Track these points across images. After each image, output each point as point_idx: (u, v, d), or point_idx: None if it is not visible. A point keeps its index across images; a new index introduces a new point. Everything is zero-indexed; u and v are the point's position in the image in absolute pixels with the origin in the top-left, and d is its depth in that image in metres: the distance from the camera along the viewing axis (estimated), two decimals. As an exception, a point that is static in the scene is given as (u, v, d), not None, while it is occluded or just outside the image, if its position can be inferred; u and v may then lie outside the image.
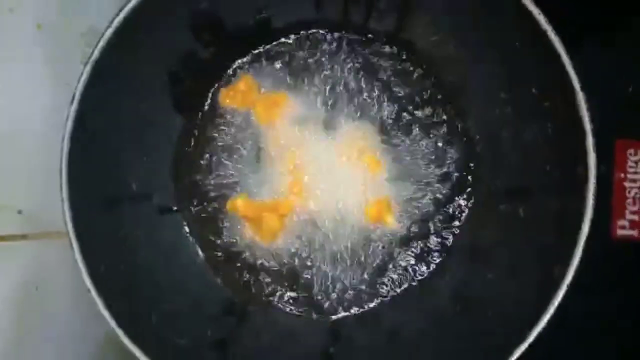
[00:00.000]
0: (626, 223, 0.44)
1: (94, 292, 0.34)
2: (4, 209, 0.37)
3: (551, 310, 0.32)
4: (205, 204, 0.42)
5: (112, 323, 0.34)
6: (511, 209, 0.38)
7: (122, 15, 0.35)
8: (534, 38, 0.32)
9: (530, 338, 0.32)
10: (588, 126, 0.31)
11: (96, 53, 0.35)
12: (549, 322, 0.33)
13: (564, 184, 0.35)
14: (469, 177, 0.41)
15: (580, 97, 0.31)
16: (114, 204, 0.38)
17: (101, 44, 0.35)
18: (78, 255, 0.34)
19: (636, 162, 0.44)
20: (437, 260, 0.41)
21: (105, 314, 0.34)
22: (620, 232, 0.44)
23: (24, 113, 0.38)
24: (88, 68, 0.35)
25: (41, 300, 0.40)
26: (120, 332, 0.34)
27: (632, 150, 0.44)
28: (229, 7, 0.39)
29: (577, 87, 0.31)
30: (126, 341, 0.34)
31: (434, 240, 0.41)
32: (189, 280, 0.40)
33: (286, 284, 0.41)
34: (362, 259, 0.41)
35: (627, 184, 0.44)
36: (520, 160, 0.38)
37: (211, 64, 0.41)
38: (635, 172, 0.44)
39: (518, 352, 0.33)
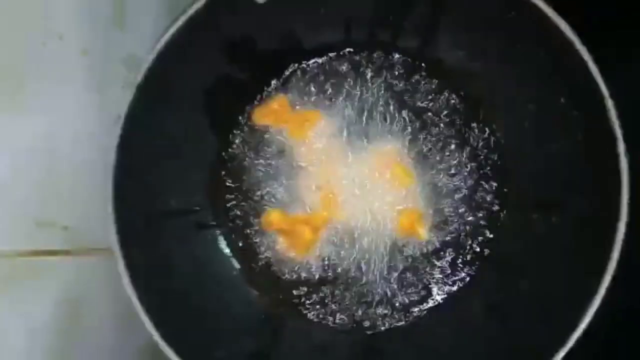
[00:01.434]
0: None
1: (136, 303, 0.35)
2: (51, 225, 0.39)
3: (588, 316, 0.32)
4: (240, 219, 0.43)
5: (155, 334, 0.35)
6: (544, 218, 0.38)
7: (162, 42, 0.37)
8: (560, 49, 0.33)
9: (568, 345, 0.32)
10: (619, 132, 0.32)
11: (139, 78, 0.37)
12: (586, 330, 0.33)
13: (596, 192, 0.35)
14: (500, 188, 0.41)
15: (610, 103, 0.32)
16: (154, 219, 0.39)
17: (144, 69, 0.37)
18: (122, 268, 0.36)
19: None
20: (470, 272, 0.41)
21: (148, 325, 0.35)
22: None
23: (70, 134, 0.40)
24: (133, 91, 0.37)
25: (83, 315, 0.41)
26: (162, 344, 0.35)
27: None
28: (261, 31, 0.41)
29: (605, 94, 0.32)
30: (168, 352, 0.35)
31: (466, 251, 0.41)
32: (226, 293, 0.41)
33: (321, 297, 0.42)
34: (395, 271, 0.42)
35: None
36: (551, 169, 0.38)
37: (245, 85, 0.43)
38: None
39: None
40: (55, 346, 0.40)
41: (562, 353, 0.32)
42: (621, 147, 0.32)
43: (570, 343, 0.33)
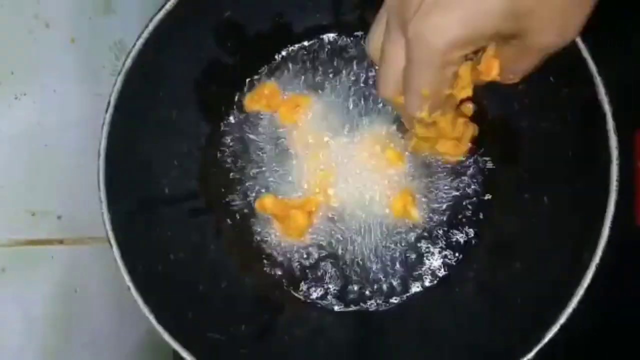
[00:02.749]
0: (650, 212, 0.44)
1: (133, 290, 0.36)
2: (45, 214, 0.39)
3: (580, 293, 0.33)
4: (234, 204, 0.43)
5: (152, 319, 0.35)
6: (535, 198, 0.39)
7: (150, 27, 0.37)
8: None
9: (560, 321, 0.33)
10: (608, 109, 0.32)
11: (128, 63, 0.37)
12: (577, 308, 0.33)
13: (587, 169, 0.35)
14: (492, 169, 0.42)
15: (598, 80, 0.32)
16: (147, 206, 0.40)
17: (132, 54, 0.37)
18: (117, 254, 0.36)
19: (657, 151, 0.44)
20: (463, 252, 0.42)
21: (145, 310, 0.35)
22: (645, 221, 0.44)
23: (60, 121, 0.40)
24: (121, 77, 0.37)
25: (79, 303, 0.42)
26: (159, 328, 0.35)
27: (652, 140, 0.44)
28: (251, 15, 0.41)
29: (594, 71, 0.32)
30: (166, 336, 0.35)
31: (459, 232, 0.42)
32: (222, 278, 0.41)
33: (316, 280, 0.42)
34: (389, 253, 0.42)
35: (648, 174, 0.44)
36: (542, 148, 0.38)
37: (235, 71, 0.43)
38: (657, 161, 0.44)
39: (548, 336, 0.33)
40: (52, 335, 0.40)
41: (553, 330, 0.33)
42: (610, 124, 0.32)
43: (562, 320, 0.33)
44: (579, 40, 0.33)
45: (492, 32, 0.23)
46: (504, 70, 0.26)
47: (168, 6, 0.37)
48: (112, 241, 0.36)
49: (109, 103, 0.37)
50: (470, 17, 0.22)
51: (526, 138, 0.39)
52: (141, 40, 0.37)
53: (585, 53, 0.33)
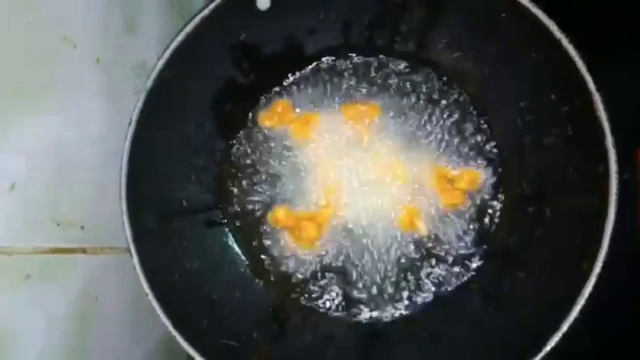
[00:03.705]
0: (655, 226, 0.44)
1: (151, 297, 0.37)
2: (69, 224, 0.40)
3: (581, 301, 0.34)
4: (248, 216, 0.45)
5: (169, 326, 0.37)
6: (538, 211, 0.40)
7: (170, 48, 0.39)
8: (549, 47, 0.35)
9: (563, 329, 0.34)
10: (607, 125, 0.33)
11: (149, 82, 0.39)
12: (580, 317, 0.34)
13: (588, 183, 0.36)
14: (497, 183, 0.43)
15: (597, 98, 0.33)
16: (166, 218, 0.41)
17: (153, 74, 0.39)
18: (137, 263, 0.37)
19: (660, 166, 0.45)
20: (469, 264, 0.43)
21: (162, 317, 0.37)
22: (649, 235, 0.44)
23: (84, 137, 0.41)
24: (143, 95, 0.39)
25: (100, 311, 0.43)
26: (176, 335, 0.37)
27: (654, 155, 0.45)
28: (265, 37, 0.43)
29: (593, 89, 0.33)
30: (182, 343, 0.37)
31: (464, 245, 0.43)
32: (236, 287, 0.43)
33: (326, 290, 0.44)
34: (396, 264, 0.43)
35: (651, 188, 0.45)
36: (544, 163, 0.39)
37: (250, 89, 0.45)
38: (660, 176, 0.45)
39: (550, 345, 0.34)
40: (73, 342, 0.41)
41: (555, 339, 0.34)
42: (609, 139, 0.34)
43: (564, 329, 0.34)
44: (577, 59, 0.34)
45: None
46: None
47: (187, 29, 0.39)
48: (133, 251, 0.38)
49: (131, 120, 0.39)
50: None
51: (529, 153, 0.41)
52: (162, 61, 0.39)
53: (584, 71, 0.34)
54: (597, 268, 0.34)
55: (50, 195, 0.39)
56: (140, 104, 0.39)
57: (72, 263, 0.41)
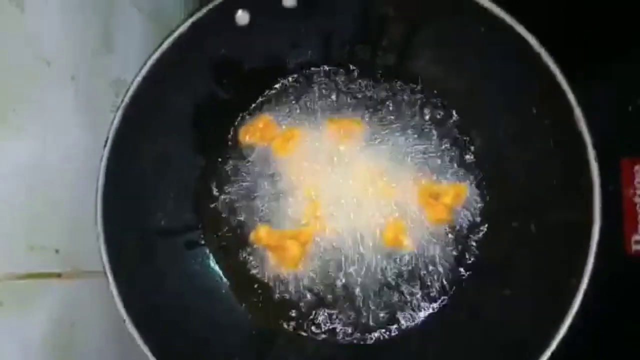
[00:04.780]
0: (640, 238, 0.44)
1: (129, 323, 0.36)
2: (43, 248, 0.39)
3: (569, 319, 0.33)
4: (229, 235, 0.44)
5: (148, 353, 0.36)
6: (523, 225, 0.39)
7: (147, 64, 0.38)
8: (529, 61, 0.35)
9: (551, 348, 0.33)
10: (588, 139, 0.33)
11: (126, 99, 0.38)
12: (569, 334, 0.34)
13: (571, 197, 0.36)
14: (481, 197, 0.42)
15: (578, 111, 0.33)
16: (144, 239, 0.40)
17: (130, 91, 0.38)
18: (113, 287, 0.36)
19: (644, 177, 0.45)
20: (455, 280, 0.42)
21: (140, 343, 0.36)
22: (635, 247, 0.44)
23: (59, 157, 0.41)
24: (119, 113, 0.38)
25: (76, 338, 0.42)
26: (155, 361, 0.36)
27: (638, 167, 0.45)
28: (245, 52, 0.43)
29: (573, 103, 0.33)
30: (161, 370, 0.35)
31: (450, 261, 0.42)
32: (217, 310, 0.42)
33: (310, 311, 0.43)
34: (382, 282, 0.42)
35: (637, 200, 0.45)
36: (527, 177, 0.39)
37: (230, 105, 0.44)
38: (644, 187, 0.45)
39: (540, 363, 0.34)
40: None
41: (546, 354, 0.33)
42: (591, 153, 0.33)
43: (553, 347, 0.33)
44: (557, 73, 0.34)
45: None
46: None
47: (165, 45, 0.38)
48: (109, 274, 0.37)
49: (107, 138, 0.38)
50: None
51: (512, 167, 0.40)
52: (139, 78, 0.38)
53: (565, 84, 0.34)
54: (584, 283, 0.34)
55: (22, 218, 0.38)
56: (116, 121, 0.38)
57: (47, 288, 0.40)
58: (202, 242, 0.44)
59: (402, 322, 0.42)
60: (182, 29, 0.38)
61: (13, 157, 0.37)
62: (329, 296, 0.43)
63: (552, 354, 0.33)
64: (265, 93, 0.45)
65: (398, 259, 0.42)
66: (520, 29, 0.35)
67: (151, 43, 0.42)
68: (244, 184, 0.44)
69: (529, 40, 0.35)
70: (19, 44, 0.37)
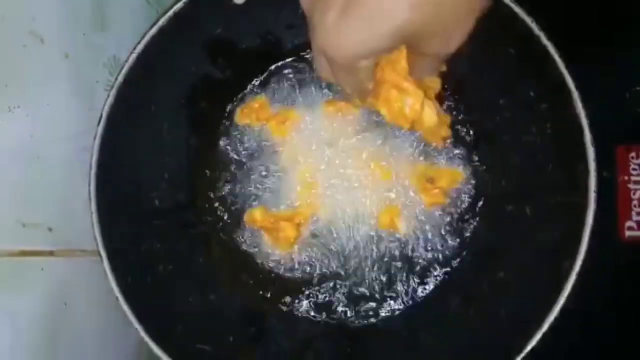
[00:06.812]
0: (634, 224, 0.45)
1: (122, 301, 0.36)
2: (36, 226, 0.39)
3: (562, 300, 0.33)
4: (223, 216, 0.44)
5: (141, 331, 0.36)
6: (518, 209, 0.39)
7: (142, 43, 0.38)
8: (527, 44, 0.35)
9: (543, 329, 0.34)
10: (585, 123, 0.33)
11: (120, 77, 0.38)
12: (561, 316, 0.34)
13: (566, 181, 0.36)
14: (477, 181, 0.42)
15: (576, 95, 0.33)
16: (138, 218, 0.40)
17: (124, 69, 0.38)
18: (107, 266, 0.36)
19: (639, 165, 0.45)
20: (449, 264, 0.42)
21: (134, 321, 0.36)
22: (628, 233, 0.45)
23: (53, 134, 0.40)
24: (113, 91, 0.38)
25: (69, 315, 0.42)
26: (148, 340, 0.36)
27: (634, 154, 0.45)
28: (241, 32, 0.42)
29: (571, 87, 0.33)
30: (155, 348, 0.35)
31: (444, 244, 0.43)
32: (211, 290, 0.42)
33: (304, 292, 0.43)
34: (375, 265, 0.43)
35: (631, 186, 0.45)
36: (523, 161, 0.39)
37: (226, 85, 0.44)
38: (639, 175, 0.45)
39: (530, 345, 0.34)
40: (41, 346, 0.40)
41: (536, 338, 0.33)
42: (587, 137, 0.33)
43: (545, 327, 0.34)
44: (556, 56, 0.34)
45: (386, 48, 0.26)
46: (412, 68, 0.28)
47: (160, 23, 0.38)
48: (102, 253, 0.36)
49: (100, 117, 0.37)
50: (364, 40, 0.25)
51: (508, 151, 0.40)
52: (133, 56, 0.38)
53: (563, 68, 0.34)
54: (577, 266, 0.34)
55: (15, 195, 0.37)
56: (110, 100, 0.38)
57: (39, 266, 0.39)
58: (196, 222, 0.43)
59: (396, 305, 0.42)
60: (178, 7, 0.38)
61: (5, 134, 0.36)
62: (323, 278, 0.43)
63: (544, 335, 0.34)
64: (261, 74, 0.45)
65: (393, 242, 0.42)
66: (520, 12, 0.34)
67: (146, 21, 0.41)
68: (240, 165, 0.44)
69: (528, 23, 0.34)
70: (13, 20, 0.37)
